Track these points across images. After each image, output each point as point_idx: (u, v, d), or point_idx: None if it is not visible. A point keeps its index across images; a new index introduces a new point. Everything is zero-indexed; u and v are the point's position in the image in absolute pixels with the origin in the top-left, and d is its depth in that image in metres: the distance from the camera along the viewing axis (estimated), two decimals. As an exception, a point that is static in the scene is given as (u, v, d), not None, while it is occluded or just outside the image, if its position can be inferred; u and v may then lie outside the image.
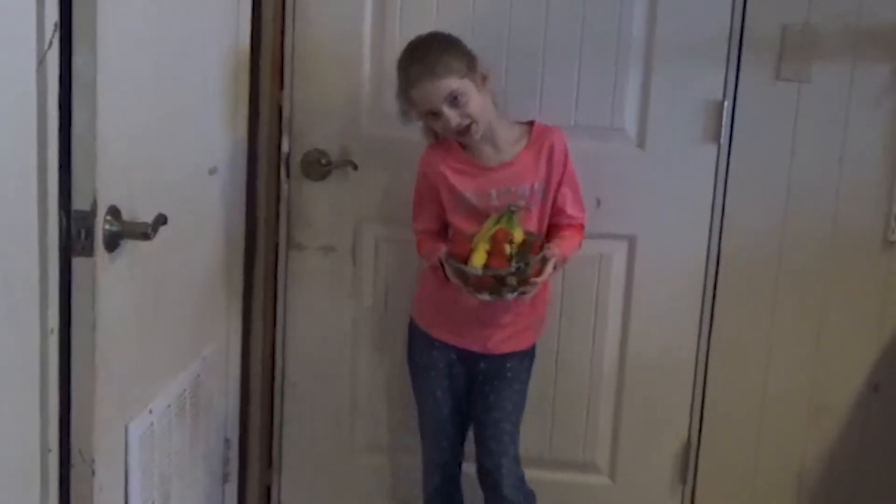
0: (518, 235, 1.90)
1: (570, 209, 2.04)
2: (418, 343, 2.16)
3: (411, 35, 2.19)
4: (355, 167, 2.25)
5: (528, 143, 2.02)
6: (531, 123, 2.05)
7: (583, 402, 2.31)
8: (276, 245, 2.34)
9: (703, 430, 2.35)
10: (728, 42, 2.17)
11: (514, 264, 1.86)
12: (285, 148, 2.28)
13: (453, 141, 2.02)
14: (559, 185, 2.02)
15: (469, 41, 2.17)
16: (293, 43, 2.24)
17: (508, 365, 2.09)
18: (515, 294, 1.90)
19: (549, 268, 1.91)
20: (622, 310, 2.30)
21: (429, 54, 1.91)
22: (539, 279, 1.90)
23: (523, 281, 1.88)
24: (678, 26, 2.17)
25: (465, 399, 2.15)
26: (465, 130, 1.93)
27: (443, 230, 2.09)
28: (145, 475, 1.69)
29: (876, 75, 2.16)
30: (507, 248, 1.87)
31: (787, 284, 2.27)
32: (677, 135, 2.21)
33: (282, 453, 2.45)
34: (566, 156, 2.02)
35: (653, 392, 2.33)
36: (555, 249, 1.94)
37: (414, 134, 2.21)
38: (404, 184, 2.25)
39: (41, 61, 1.27)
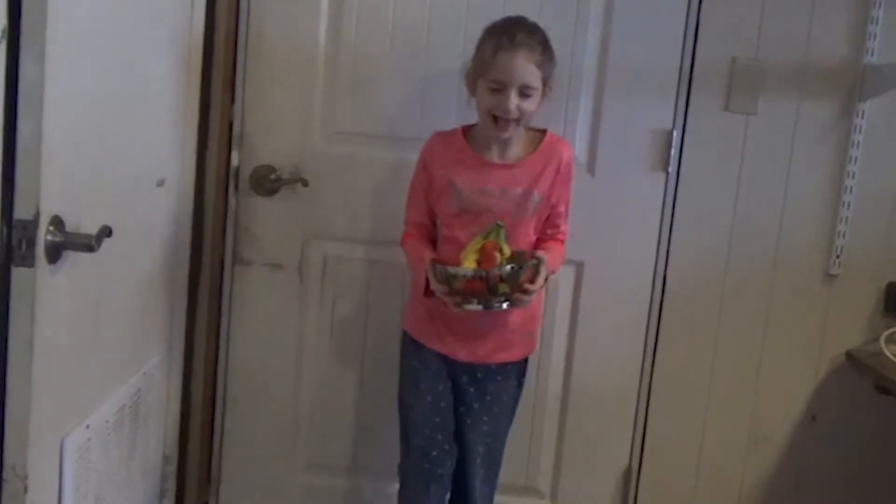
0: (507, 249, 1.84)
1: (564, 224, 2.02)
2: (408, 350, 2.08)
3: (366, 55, 2.20)
4: (305, 184, 2.24)
5: (538, 151, 1.98)
6: (543, 131, 2.01)
7: (526, 425, 2.31)
8: (223, 260, 2.31)
9: (644, 457, 2.37)
10: (678, 73, 2.21)
11: (506, 266, 1.78)
12: (235, 162, 2.26)
13: (459, 133, 2.00)
14: (559, 200, 1.98)
15: (423, 62, 2.19)
16: (246, 57, 2.23)
17: (489, 383, 2.03)
18: (506, 304, 1.82)
19: (542, 274, 1.83)
20: (567, 334, 2.31)
21: (535, 35, 1.88)
22: (533, 287, 1.82)
23: (515, 287, 1.79)
24: (630, 56, 2.20)
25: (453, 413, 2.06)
26: (506, 120, 1.88)
27: (433, 227, 2.04)
28: (80, 491, 1.65)
29: (821, 111, 2.22)
30: (498, 257, 1.82)
31: (730, 314, 2.30)
32: (626, 162, 2.24)
33: (221, 471, 2.41)
34: (571, 171, 2.00)
35: (595, 417, 2.35)
36: (546, 254, 1.87)
37: (365, 151, 2.22)
38: (354, 201, 2.25)
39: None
